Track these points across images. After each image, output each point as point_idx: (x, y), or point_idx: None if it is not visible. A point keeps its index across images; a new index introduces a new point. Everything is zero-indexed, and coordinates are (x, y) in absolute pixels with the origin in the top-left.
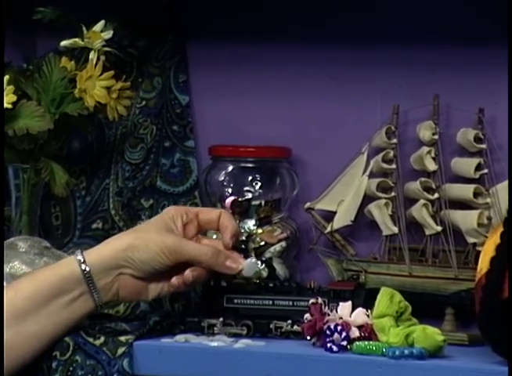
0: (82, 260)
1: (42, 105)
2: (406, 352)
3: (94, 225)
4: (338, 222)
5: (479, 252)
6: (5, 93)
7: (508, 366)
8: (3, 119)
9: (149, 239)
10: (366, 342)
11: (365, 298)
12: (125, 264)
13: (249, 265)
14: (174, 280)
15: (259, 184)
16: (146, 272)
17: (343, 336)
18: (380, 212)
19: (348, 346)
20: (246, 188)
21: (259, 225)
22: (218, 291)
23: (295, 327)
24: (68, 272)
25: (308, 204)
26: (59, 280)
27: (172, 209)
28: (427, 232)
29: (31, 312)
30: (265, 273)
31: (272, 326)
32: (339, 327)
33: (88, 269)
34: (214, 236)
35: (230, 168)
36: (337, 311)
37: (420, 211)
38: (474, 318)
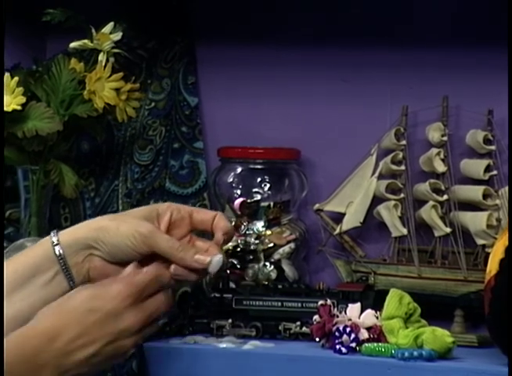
0: (56, 240)
1: (51, 106)
2: (415, 353)
3: None
4: (347, 224)
5: (488, 254)
6: (14, 95)
7: (508, 367)
8: (3, 119)
9: (123, 222)
10: (375, 344)
11: (374, 299)
12: (95, 245)
13: (215, 261)
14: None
15: (268, 185)
16: (115, 256)
17: (352, 338)
18: (389, 214)
19: (357, 348)
20: (255, 189)
21: (268, 226)
22: (227, 293)
23: (304, 328)
24: (42, 253)
25: (317, 206)
26: (34, 261)
27: (165, 204)
28: (436, 233)
29: (8, 295)
30: (273, 275)
31: (280, 327)
32: (348, 329)
33: (60, 248)
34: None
35: (239, 169)
36: (345, 312)
37: (429, 213)
38: (484, 319)
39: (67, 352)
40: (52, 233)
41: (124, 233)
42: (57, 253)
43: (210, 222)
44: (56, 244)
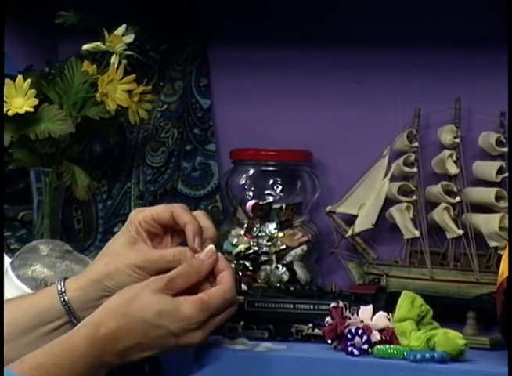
0: (63, 291)
1: (64, 109)
2: (428, 355)
3: (115, 229)
4: (359, 226)
5: (501, 256)
6: (26, 97)
7: (508, 367)
8: (3, 120)
9: (118, 262)
10: (387, 346)
11: (386, 301)
12: (105, 293)
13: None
14: None
15: (280, 187)
16: None
17: (364, 340)
18: (401, 216)
19: (369, 350)
20: (267, 191)
21: (280, 228)
22: (239, 295)
23: (316, 330)
24: (49, 304)
25: (329, 208)
26: (40, 311)
27: (132, 221)
28: (449, 235)
29: (11, 340)
30: (286, 277)
31: (293, 329)
32: (360, 331)
33: (68, 300)
34: None
35: (251, 171)
36: (358, 314)
37: (442, 215)
38: (496, 322)
39: (127, 353)
40: (59, 282)
41: (126, 272)
42: (66, 305)
43: (170, 221)
44: (64, 294)
